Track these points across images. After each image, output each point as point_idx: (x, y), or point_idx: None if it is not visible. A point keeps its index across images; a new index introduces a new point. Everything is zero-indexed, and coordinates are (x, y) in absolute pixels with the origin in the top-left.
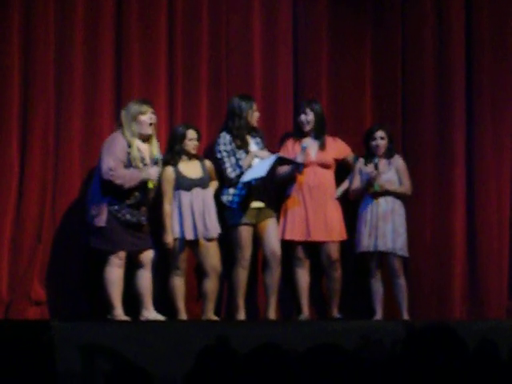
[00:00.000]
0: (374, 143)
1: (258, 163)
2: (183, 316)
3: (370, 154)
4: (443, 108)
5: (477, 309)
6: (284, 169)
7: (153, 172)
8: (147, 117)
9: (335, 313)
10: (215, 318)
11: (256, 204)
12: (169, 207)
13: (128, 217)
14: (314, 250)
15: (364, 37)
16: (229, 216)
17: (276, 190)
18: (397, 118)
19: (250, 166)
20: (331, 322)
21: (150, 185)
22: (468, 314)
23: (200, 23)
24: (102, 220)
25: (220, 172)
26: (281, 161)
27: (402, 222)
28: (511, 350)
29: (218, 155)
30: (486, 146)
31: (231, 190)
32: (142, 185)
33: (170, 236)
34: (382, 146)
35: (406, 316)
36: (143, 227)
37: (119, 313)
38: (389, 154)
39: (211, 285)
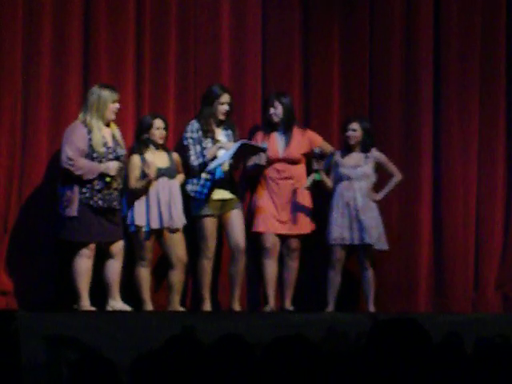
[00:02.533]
0: (346, 134)
1: (222, 154)
2: (149, 307)
3: (346, 147)
4: (411, 102)
5: (442, 301)
6: (250, 162)
7: (112, 166)
8: (116, 105)
9: (288, 305)
10: (181, 308)
11: (221, 195)
12: (134, 184)
13: (100, 203)
14: (281, 241)
15: (332, 32)
16: (193, 206)
17: (245, 183)
18: (364, 113)
19: (215, 157)
20: (295, 314)
21: (108, 179)
22: (433, 307)
23: (169, 13)
24: (72, 210)
25: (185, 160)
26: (246, 148)
27: (377, 215)
28: (476, 343)
29: (185, 142)
30: (453, 138)
31: (196, 180)
32: (101, 178)
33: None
34: (352, 137)
35: (371, 308)
36: (115, 216)
37: (86, 303)
38: (364, 148)
39: (177, 276)
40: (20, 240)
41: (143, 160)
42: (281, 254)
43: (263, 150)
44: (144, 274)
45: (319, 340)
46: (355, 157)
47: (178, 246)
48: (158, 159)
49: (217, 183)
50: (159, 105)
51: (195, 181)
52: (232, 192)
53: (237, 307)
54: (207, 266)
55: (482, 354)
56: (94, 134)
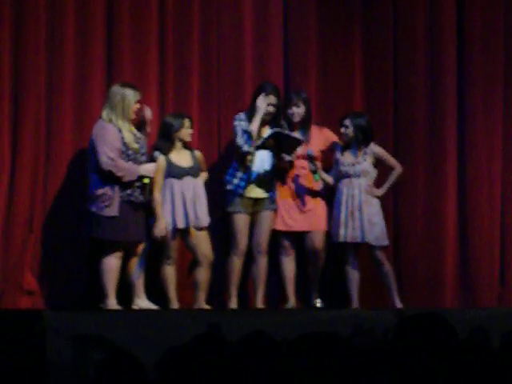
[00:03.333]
0: (341, 130)
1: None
2: (175, 305)
3: (347, 144)
4: (435, 97)
5: (468, 296)
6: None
7: (150, 169)
8: (137, 105)
9: (315, 301)
10: (207, 306)
11: (254, 193)
12: (159, 195)
13: (141, 198)
14: (299, 238)
15: (354, 25)
16: (227, 202)
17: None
18: (388, 108)
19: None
20: (321, 311)
21: (146, 180)
22: (459, 302)
23: (191, 11)
24: (113, 209)
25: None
26: (281, 137)
27: (376, 211)
28: (502, 338)
29: (234, 130)
30: (478, 134)
31: (235, 173)
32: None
33: (163, 223)
34: (344, 134)
35: (398, 304)
36: (143, 216)
37: (113, 302)
38: (357, 144)
39: (203, 273)
40: (45, 239)
41: (168, 161)
42: (305, 253)
43: (300, 143)
44: (170, 272)
45: (345, 336)
46: (353, 154)
47: (203, 244)
48: (182, 158)
49: (254, 181)
50: (183, 103)
51: (234, 173)
52: (267, 191)
53: (260, 305)
54: (237, 263)
55: (508, 348)
56: (125, 132)
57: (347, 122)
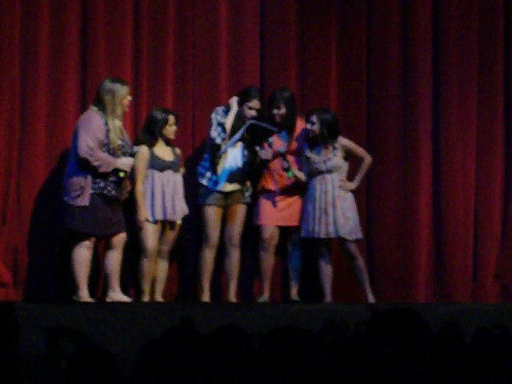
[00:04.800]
0: (307, 126)
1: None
2: (147, 298)
3: (312, 140)
4: (409, 91)
5: (442, 292)
6: (257, 158)
7: (127, 163)
8: (128, 98)
9: (294, 295)
10: (161, 299)
11: (226, 187)
12: (141, 186)
13: (113, 192)
14: (281, 233)
15: (330, 22)
16: (200, 194)
17: (252, 176)
18: (362, 103)
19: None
20: (295, 305)
21: (121, 174)
22: (433, 297)
23: (167, 6)
24: (84, 199)
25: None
26: (256, 129)
27: (349, 205)
28: (475, 334)
29: (210, 122)
30: (452, 127)
31: (210, 168)
32: (115, 172)
33: (143, 214)
34: (311, 130)
35: (371, 299)
36: (121, 206)
37: (84, 294)
38: (325, 141)
39: (157, 266)
40: (18, 231)
41: (152, 153)
42: (286, 247)
43: (274, 132)
44: (147, 265)
45: (318, 330)
46: (323, 150)
47: (164, 241)
48: (164, 153)
49: (226, 175)
50: (157, 100)
51: (205, 165)
52: (238, 185)
53: (233, 299)
54: (209, 255)
55: (480, 344)
56: (111, 126)
57: (314, 118)
